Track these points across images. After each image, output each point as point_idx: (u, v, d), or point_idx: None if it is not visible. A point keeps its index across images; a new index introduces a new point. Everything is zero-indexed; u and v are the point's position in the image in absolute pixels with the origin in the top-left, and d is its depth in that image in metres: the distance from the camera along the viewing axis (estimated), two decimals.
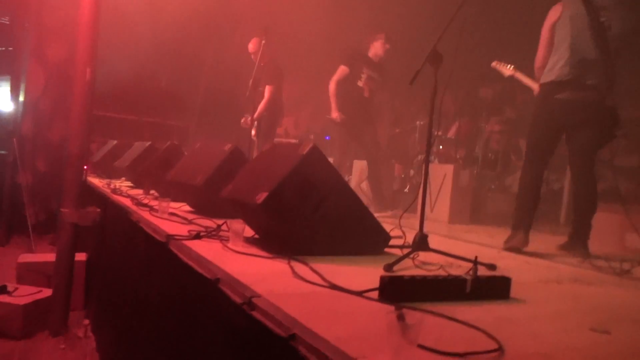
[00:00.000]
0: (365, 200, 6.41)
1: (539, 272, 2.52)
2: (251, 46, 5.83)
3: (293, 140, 7.94)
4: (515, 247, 3.17)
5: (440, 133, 6.49)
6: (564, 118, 3.22)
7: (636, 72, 4.19)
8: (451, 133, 6.51)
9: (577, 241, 3.26)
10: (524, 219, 3.31)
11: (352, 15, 6.23)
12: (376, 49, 5.44)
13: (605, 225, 3.93)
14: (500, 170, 6.24)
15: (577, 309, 1.81)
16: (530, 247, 3.51)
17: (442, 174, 5.03)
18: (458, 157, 6.12)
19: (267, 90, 5.78)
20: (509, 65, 3.63)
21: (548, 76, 3.25)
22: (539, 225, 5.42)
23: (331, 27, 6.26)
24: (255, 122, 5.65)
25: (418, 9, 5.98)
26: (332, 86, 5.31)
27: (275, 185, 2.11)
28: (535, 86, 3.45)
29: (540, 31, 3.38)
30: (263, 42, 4.35)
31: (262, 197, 2.08)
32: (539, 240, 4.06)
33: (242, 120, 6.01)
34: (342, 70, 5.35)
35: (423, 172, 2.39)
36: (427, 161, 2.38)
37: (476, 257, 1.82)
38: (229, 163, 3.35)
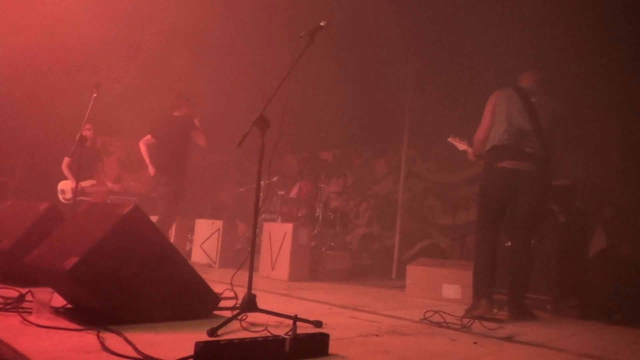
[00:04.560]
0: (206, 260, 6.24)
1: (362, 326, 2.66)
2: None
3: (132, 199, 7.47)
4: (479, 316, 3.13)
5: (283, 192, 6.69)
6: (506, 185, 3.43)
7: None
8: (293, 193, 6.75)
9: (513, 304, 3.39)
10: (484, 286, 3.34)
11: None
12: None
13: (427, 277, 4.38)
14: (339, 228, 6.60)
15: None
16: (359, 302, 3.71)
17: (282, 233, 5.13)
18: (300, 215, 6.34)
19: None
20: (465, 141, 3.94)
21: (490, 143, 3.53)
22: (372, 280, 5.81)
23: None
24: None
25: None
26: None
27: (87, 250, 1.93)
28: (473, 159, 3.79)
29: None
30: (95, 95, 4.13)
31: (71, 262, 1.88)
32: (369, 294, 4.34)
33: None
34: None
35: (251, 231, 2.42)
36: (255, 220, 2.41)
37: (296, 315, 1.85)
38: (43, 224, 3.02)
